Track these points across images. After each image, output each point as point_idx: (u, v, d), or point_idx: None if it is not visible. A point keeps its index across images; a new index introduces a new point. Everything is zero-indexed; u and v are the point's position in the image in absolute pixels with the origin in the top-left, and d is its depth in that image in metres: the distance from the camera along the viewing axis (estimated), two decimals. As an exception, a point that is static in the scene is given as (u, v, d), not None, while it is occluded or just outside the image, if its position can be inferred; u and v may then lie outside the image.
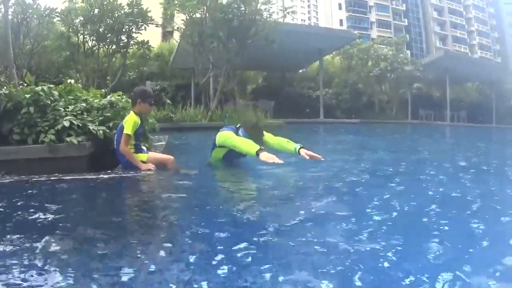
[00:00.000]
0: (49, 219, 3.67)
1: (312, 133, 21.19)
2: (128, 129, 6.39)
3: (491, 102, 47.57)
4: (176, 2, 21.11)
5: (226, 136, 6.94)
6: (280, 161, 6.02)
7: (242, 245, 2.99)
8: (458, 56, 57.85)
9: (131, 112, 6.68)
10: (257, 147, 6.34)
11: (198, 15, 21.45)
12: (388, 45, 45.28)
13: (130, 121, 6.45)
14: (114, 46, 23.09)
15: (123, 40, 22.92)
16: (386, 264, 2.73)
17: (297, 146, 7.08)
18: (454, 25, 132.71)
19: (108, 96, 8.22)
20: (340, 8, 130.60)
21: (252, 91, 39.99)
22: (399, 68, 38.36)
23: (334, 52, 40.61)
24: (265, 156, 6.12)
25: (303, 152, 6.90)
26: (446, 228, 3.67)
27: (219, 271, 2.54)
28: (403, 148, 14.47)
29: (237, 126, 7.31)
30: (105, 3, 21.14)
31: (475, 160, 10.68)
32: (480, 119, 44.96)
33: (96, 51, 23.12)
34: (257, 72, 42.26)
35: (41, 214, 3.80)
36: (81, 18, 21.69)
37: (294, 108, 35.85)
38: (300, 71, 43.65)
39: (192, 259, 2.75)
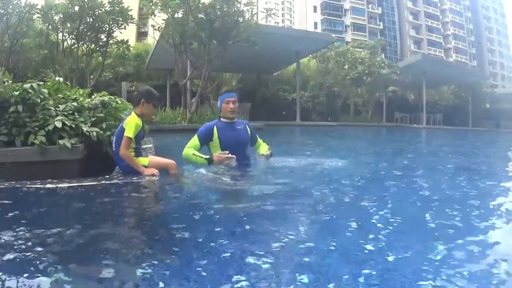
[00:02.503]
0: (46, 238, 3.36)
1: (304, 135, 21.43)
2: (129, 132, 5.95)
3: (467, 105, 48.33)
4: (157, 1, 20.85)
5: (186, 149, 6.92)
6: (231, 156, 6.39)
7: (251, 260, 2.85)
8: (436, 60, 58.62)
9: (133, 114, 6.26)
10: (205, 155, 6.49)
11: (180, 15, 21.22)
12: (365, 48, 45.46)
13: (132, 123, 6.02)
14: (93, 45, 22.77)
15: (102, 39, 22.62)
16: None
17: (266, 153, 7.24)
18: (430, 29, 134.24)
19: (96, 95, 7.92)
20: (315, 11, 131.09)
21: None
22: (376, 71, 38.51)
23: (310, 55, 40.68)
24: (218, 158, 6.42)
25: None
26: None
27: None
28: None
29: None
30: (86, 0, 20.79)
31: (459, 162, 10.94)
32: (456, 121, 45.59)
33: (75, 50, 22.75)
34: (232, 74, 42.21)
35: (31, 224, 3.59)
36: (61, 16, 21.35)
37: (270, 110, 36.01)
38: (275, 73, 43.64)
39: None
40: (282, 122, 31.88)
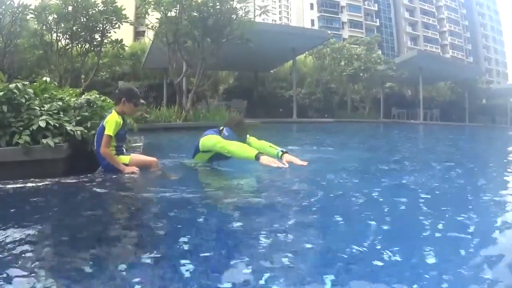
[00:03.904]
0: (22, 228, 3.43)
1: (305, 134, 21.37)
2: (109, 130, 6.00)
3: (463, 101, 48.29)
4: (151, -1, 20.86)
5: (214, 141, 6.60)
6: (284, 165, 6.06)
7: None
8: (432, 56, 58.66)
9: (113, 112, 6.29)
10: (255, 150, 6.16)
11: (173, 13, 21.20)
12: (361, 45, 45.44)
13: (112, 121, 6.06)
14: (87, 45, 22.70)
15: (96, 38, 22.54)
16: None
17: (279, 151, 6.86)
18: (426, 26, 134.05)
19: (84, 95, 7.93)
20: (312, 8, 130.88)
21: (224, 91, 40.07)
22: (372, 67, 38.50)
23: (306, 52, 40.55)
24: (267, 159, 5.97)
25: (286, 157, 6.65)
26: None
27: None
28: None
29: (220, 129, 7.04)
30: (79, 0, 20.74)
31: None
32: (453, 117, 45.56)
33: (69, 50, 22.70)
34: (229, 72, 42.20)
35: (15, 223, 3.57)
36: (55, 16, 21.19)
37: (267, 108, 36.06)
38: (272, 71, 43.66)
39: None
40: (278, 119, 31.82)
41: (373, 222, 3.63)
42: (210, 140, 6.68)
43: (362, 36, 77.97)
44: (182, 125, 19.75)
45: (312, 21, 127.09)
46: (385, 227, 3.58)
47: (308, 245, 3.10)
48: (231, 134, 6.77)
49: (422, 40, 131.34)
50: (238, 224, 3.61)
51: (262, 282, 2.39)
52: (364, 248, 2.95)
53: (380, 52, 53.93)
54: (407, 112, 44.17)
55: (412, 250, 3.00)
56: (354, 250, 2.89)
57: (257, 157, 6.00)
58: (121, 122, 6.22)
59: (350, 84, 41.84)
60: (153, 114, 21.24)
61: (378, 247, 3.02)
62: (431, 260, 2.73)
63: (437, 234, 3.36)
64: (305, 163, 6.49)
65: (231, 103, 31.57)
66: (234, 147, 6.38)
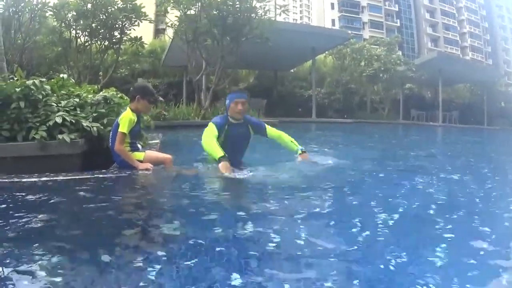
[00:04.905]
0: (34, 224, 3.43)
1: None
2: (123, 127, 6.02)
3: (482, 104, 47.82)
4: (170, -3, 20.93)
5: (204, 131, 6.72)
6: (246, 175, 6.14)
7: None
8: (451, 57, 58.05)
9: (128, 109, 6.31)
10: (221, 153, 6.22)
11: (192, 11, 21.24)
12: (381, 45, 45.27)
13: (126, 119, 6.08)
14: (106, 42, 22.78)
15: (116, 36, 22.62)
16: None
17: (299, 149, 7.09)
18: (446, 27, 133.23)
19: (101, 92, 7.95)
20: (332, 8, 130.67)
21: (244, 89, 40.03)
22: (392, 68, 38.32)
23: (326, 52, 40.42)
24: (224, 166, 6.06)
25: (303, 156, 6.97)
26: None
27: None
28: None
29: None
30: (99, -3, 20.84)
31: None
32: (471, 120, 45.19)
33: (89, 47, 22.79)
34: (249, 71, 42.19)
35: (27, 218, 3.56)
36: (74, 13, 21.29)
37: (286, 107, 35.95)
38: (292, 70, 43.57)
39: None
40: (297, 118, 31.74)
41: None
42: (205, 130, 6.76)
43: (383, 36, 77.63)
44: (200, 122, 19.69)
45: (333, 21, 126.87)
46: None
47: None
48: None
49: (442, 42, 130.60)
50: (252, 223, 3.59)
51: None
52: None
53: (400, 53, 53.69)
54: (426, 114, 43.88)
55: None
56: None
57: (219, 160, 6.13)
58: (135, 119, 6.24)
59: (370, 84, 41.67)
60: (172, 112, 21.29)
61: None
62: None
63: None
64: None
65: (250, 102, 31.51)
66: (206, 142, 6.56)
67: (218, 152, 6.22)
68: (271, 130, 7.36)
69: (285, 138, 7.32)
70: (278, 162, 7.30)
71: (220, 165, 6.01)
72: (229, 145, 6.79)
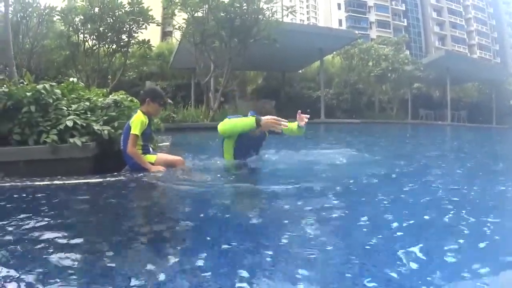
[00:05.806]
0: (47, 225, 3.44)
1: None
2: (135, 129, 6.03)
3: (491, 103, 47.62)
4: (177, 0, 20.95)
5: (224, 122, 6.63)
6: (285, 122, 6.39)
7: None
8: (459, 56, 57.93)
9: (139, 112, 6.31)
10: (254, 118, 6.25)
11: (200, 14, 21.29)
12: (389, 45, 45.21)
13: (138, 121, 6.09)
14: (114, 46, 22.85)
15: (123, 39, 22.69)
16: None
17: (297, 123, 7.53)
18: (453, 25, 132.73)
19: (111, 95, 7.98)
20: (339, 8, 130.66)
21: (252, 91, 40.08)
22: (400, 68, 38.26)
23: (334, 52, 40.34)
24: (266, 123, 6.25)
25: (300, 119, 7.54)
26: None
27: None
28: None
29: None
30: (106, 1, 20.91)
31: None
32: (480, 119, 44.94)
33: (96, 50, 22.87)
34: (257, 73, 42.20)
35: (40, 221, 3.56)
36: (81, 17, 21.46)
37: (295, 108, 35.67)
38: (300, 71, 43.51)
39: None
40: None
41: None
42: (222, 123, 6.67)
43: (390, 36, 77.53)
44: (209, 125, 19.74)
45: (340, 21, 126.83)
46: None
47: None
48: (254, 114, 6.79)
49: (449, 40, 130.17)
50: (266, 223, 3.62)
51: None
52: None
53: (408, 52, 53.60)
54: (434, 113, 43.73)
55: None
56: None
57: (257, 123, 6.19)
58: (147, 121, 6.26)
59: (378, 84, 41.61)
60: (181, 114, 21.35)
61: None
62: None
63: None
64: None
65: (258, 103, 31.54)
66: (236, 119, 6.54)
67: (249, 119, 6.30)
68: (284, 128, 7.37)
69: (291, 126, 7.47)
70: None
71: (263, 123, 6.21)
72: (242, 146, 6.88)
